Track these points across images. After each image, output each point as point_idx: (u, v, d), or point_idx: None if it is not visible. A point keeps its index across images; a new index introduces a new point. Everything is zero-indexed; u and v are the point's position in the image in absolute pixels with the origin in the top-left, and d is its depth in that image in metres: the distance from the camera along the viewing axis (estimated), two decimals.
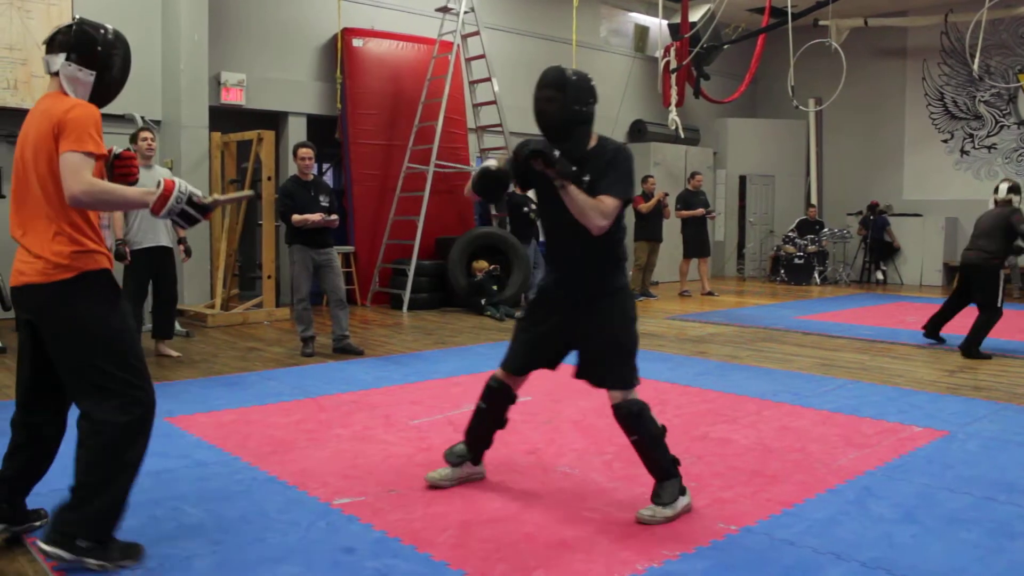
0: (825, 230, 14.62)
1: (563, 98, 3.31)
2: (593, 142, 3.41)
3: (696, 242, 12.33)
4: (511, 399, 3.71)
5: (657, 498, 3.34)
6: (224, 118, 10.23)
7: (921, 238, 14.46)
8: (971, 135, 14.79)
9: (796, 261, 14.39)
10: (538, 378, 5.74)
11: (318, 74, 11.15)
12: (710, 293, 12.38)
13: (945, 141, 15.10)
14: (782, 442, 4.47)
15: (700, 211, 12.26)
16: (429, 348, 7.54)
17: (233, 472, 3.90)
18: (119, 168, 3.13)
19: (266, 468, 3.95)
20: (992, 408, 5.29)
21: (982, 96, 14.63)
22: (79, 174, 2.71)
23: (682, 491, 3.40)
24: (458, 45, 11.05)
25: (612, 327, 3.44)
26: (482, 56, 11.11)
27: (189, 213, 2.85)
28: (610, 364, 3.43)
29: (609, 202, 3.22)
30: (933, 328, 7.77)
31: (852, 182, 15.83)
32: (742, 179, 16.08)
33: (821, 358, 7.12)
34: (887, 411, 5.18)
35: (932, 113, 15.23)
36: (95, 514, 2.79)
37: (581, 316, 3.46)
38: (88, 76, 2.92)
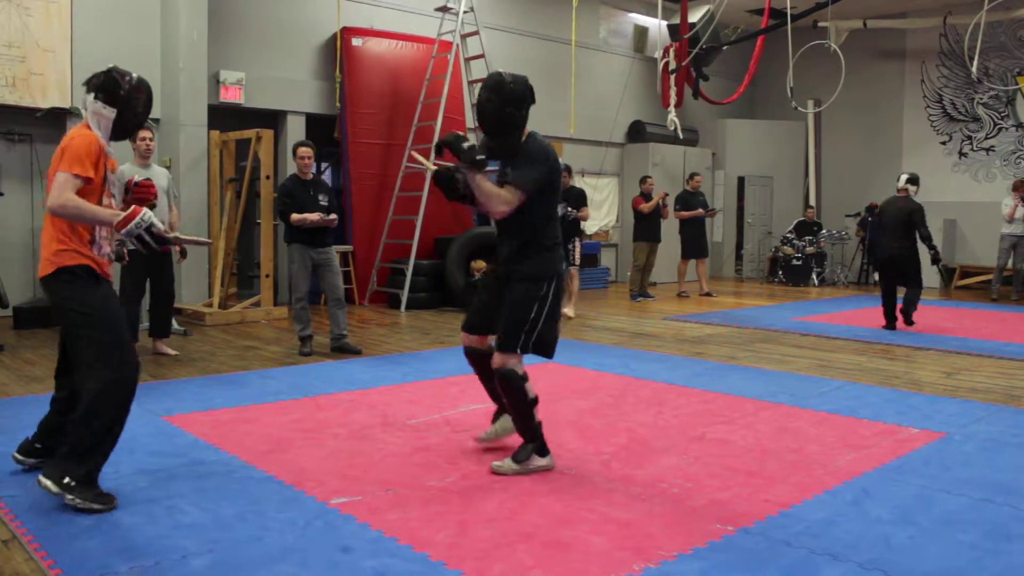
0: (823, 231, 14.64)
1: (499, 100, 3.80)
2: (523, 138, 3.89)
3: (694, 243, 12.34)
4: (483, 355, 4.12)
5: (514, 455, 3.91)
6: (223, 117, 10.22)
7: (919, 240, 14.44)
8: (969, 137, 14.81)
9: (794, 262, 14.40)
10: (536, 379, 5.74)
11: (317, 73, 11.14)
12: (708, 294, 12.39)
13: (943, 143, 15.12)
14: (779, 443, 4.47)
15: (699, 211, 12.27)
16: (427, 348, 7.53)
17: (230, 471, 3.89)
18: (136, 193, 3.80)
19: (263, 467, 3.95)
20: (989, 410, 5.29)
21: (980, 98, 14.64)
22: (61, 191, 3.32)
23: (541, 453, 3.92)
24: (457, 45, 11.05)
25: (515, 300, 3.86)
26: (481, 56, 11.11)
27: (144, 239, 3.40)
28: (504, 330, 3.87)
29: (509, 191, 3.71)
30: (891, 320, 8.81)
31: (850, 183, 15.84)
32: (741, 180, 16.09)
33: (819, 359, 7.12)
34: (884, 412, 5.18)
35: (931, 115, 15.25)
36: (77, 461, 3.37)
37: (506, 289, 3.93)
38: (111, 113, 3.51)
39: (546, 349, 3.99)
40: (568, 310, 9.67)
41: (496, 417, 4.31)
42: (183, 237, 3.80)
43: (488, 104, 3.81)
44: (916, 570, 2.90)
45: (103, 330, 3.46)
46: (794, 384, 6.03)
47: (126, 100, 3.52)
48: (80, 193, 3.36)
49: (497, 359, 3.87)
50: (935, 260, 8.84)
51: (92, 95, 3.51)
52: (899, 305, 8.80)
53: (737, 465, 4.07)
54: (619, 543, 3.09)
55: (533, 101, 3.88)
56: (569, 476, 3.88)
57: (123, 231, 3.35)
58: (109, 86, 3.50)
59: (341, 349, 7.17)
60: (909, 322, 8.77)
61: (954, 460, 4.20)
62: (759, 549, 3.06)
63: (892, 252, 8.68)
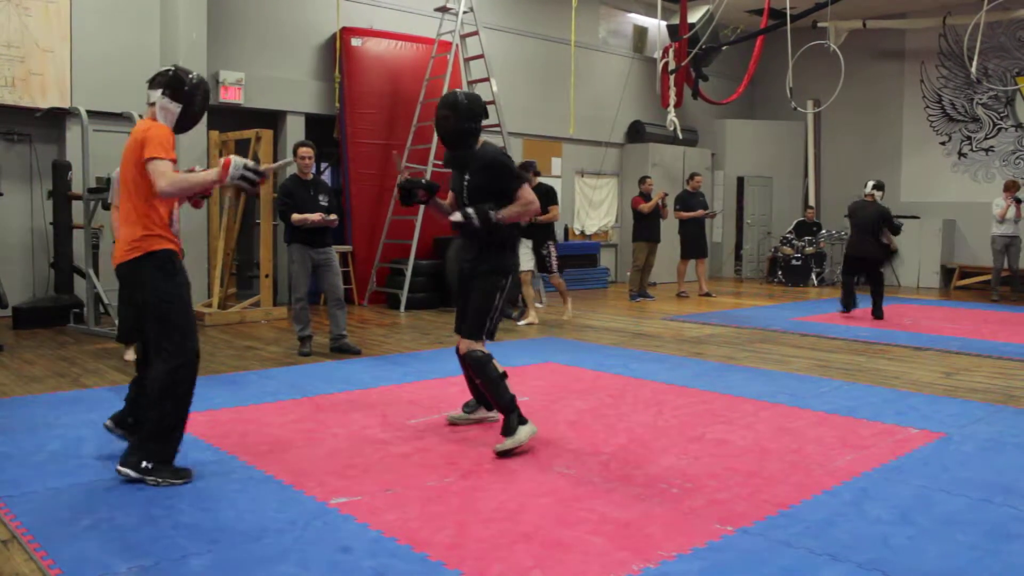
0: (823, 232, 14.65)
1: (455, 116, 4.25)
2: (477, 147, 4.39)
3: (694, 243, 12.34)
4: None
5: (505, 430, 4.22)
6: (222, 117, 10.22)
7: (918, 240, 14.48)
8: (969, 137, 14.81)
9: (794, 262, 14.41)
10: (535, 379, 5.73)
11: (317, 73, 11.15)
12: (707, 294, 12.39)
13: (943, 143, 15.12)
14: (779, 443, 4.47)
15: (699, 212, 12.27)
16: (426, 348, 7.54)
17: (230, 471, 3.89)
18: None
19: (263, 467, 3.95)
20: (989, 410, 5.29)
21: (980, 99, 14.65)
22: (164, 174, 3.65)
23: (522, 421, 4.24)
24: (457, 45, 11.05)
25: (477, 292, 4.31)
26: (481, 56, 11.11)
27: (248, 177, 3.74)
28: (468, 319, 4.31)
29: (524, 195, 4.28)
30: (851, 305, 9.96)
31: (850, 184, 15.81)
32: (740, 180, 16.09)
33: (818, 359, 7.12)
34: (884, 413, 5.18)
35: (930, 115, 15.25)
36: (152, 444, 3.67)
37: (470, 283, 4.38)
38: (176, 108, 3.85)
39: (493, 335, 4.46)
40: (566, 310, 9.71)
41: (467, 405, 4.84)
42: (272, 165, 4.19)
43: (446, 121, 4.27)
44: (915, 570, 2.90)
45: (178, 317, 3.74)
46: (793, 384, 6.03)
47: (190, 96, 3.85)
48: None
49: (463, 346, 4.32)
50: (896, 232, 10.06)
51: (159, 91, 3.83)
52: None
53: (736, 465, 4.07)
54: (618, 543, 3.09)
55: (486, 116, 4.41)
56: (568, 476, 3.88)
57: (227, 180, 3.72)
58: (175, 83, 3.83)
59: (341, 349, 7.17)
60: (878, 315, 9.70)
61: (953, 460, 4.20)
62: (758, 549, 3.06)
63: (866, 252, 9.76)
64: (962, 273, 14.41)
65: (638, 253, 11.86)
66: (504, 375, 4.29)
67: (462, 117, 4.26)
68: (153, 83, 3.86)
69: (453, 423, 4.78)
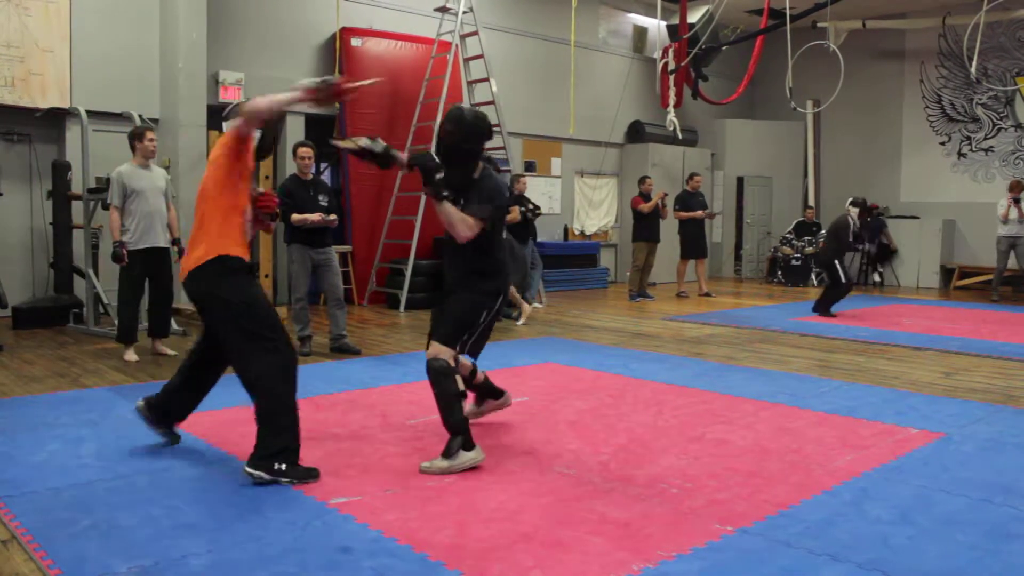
0: (822, 232, 14.63)
1: (458, 133, 4.04)
2: (477, 173, 4.15)
3: (693, 243, 12.34)
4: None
5: (445, 451, 3.94)
6: (221, 117, 10.21)
7: (918, 240, 14.48)
8: (968, 137, 14.81)
9: (793, 262, 14.41)
10: (535, 379, 5.74)
11: (316, 73, 11.13)
12: (707, 294, 12.39)
13: (943, 143, 15.12)
14: (779, 443, 4.47)
15: (699, 213, 12.27)
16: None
17: (229, 471, 3.89)
18: (259, 203, 4.20)
19: None
20: (989, 410, 5.30)
21: (979, 99, 14.65)
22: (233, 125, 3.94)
23: (468, 448, 3.94)
24: (456, 45, 11.05)
25: (456, 302, 4.13)
26: (480, 56, 11.11)
27: (327, 81, 3.91)
28: (448, 324, 4.08)
29: (469, 219, 4.00)
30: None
31: (850, 184, 15.83)
32: (740, 180, 16.09)
33: (818, 359, 7.12)
34: (884, 413, 5.19)
35: (930, 115, 15.25)
36: (277, 447, 3.69)
37: (453, 295, 4.22)
38: (257, 134, 4.09)
39: (476, 352, 4.30)
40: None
41: (478, 400, 4.77)
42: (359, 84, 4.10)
43: (448, 137, 4.07)
44: (915, 570, 2.90)
45: (262, 318, 3.86)
46: (793, 384, 6.03)
47: (267, 122, 4.11)
48: (239, 180, 4.00)
49: (432, 351, 4.06)
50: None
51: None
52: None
53: (736, 465, 4.07)
54: (618, 543, 3.09)
55: (490, 137, 4.15)
56: (568, 476, 3.88)
57: (310, 91, 3.90)
58: None
59: (340, 349, 7.18)
60: (815, 310, 10.19)
61: (953, 460, 4.20)
62: (758, 549, 3.06)
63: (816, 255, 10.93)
64: (962, 273, 14.41)
65: (638, 253, 11.86)
66: (463, 394, 4.02)
67: (464, 135, 4.05)
68: (230, 114, 4.22)
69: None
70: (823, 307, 10.10)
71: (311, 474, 3.76)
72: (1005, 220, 12.10)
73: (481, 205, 4.04)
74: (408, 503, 3.48)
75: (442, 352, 4.03)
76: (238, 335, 3.82)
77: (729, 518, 3.36)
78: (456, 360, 4.09)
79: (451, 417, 3.97)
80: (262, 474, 3.66)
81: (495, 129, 11.22)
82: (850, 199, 10.44)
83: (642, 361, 6.93)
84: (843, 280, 10.01)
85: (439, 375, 3.98)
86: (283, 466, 3.69)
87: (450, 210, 4.00)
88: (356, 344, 7.36)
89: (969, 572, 2.90)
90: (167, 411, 4.22)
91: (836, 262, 10.05)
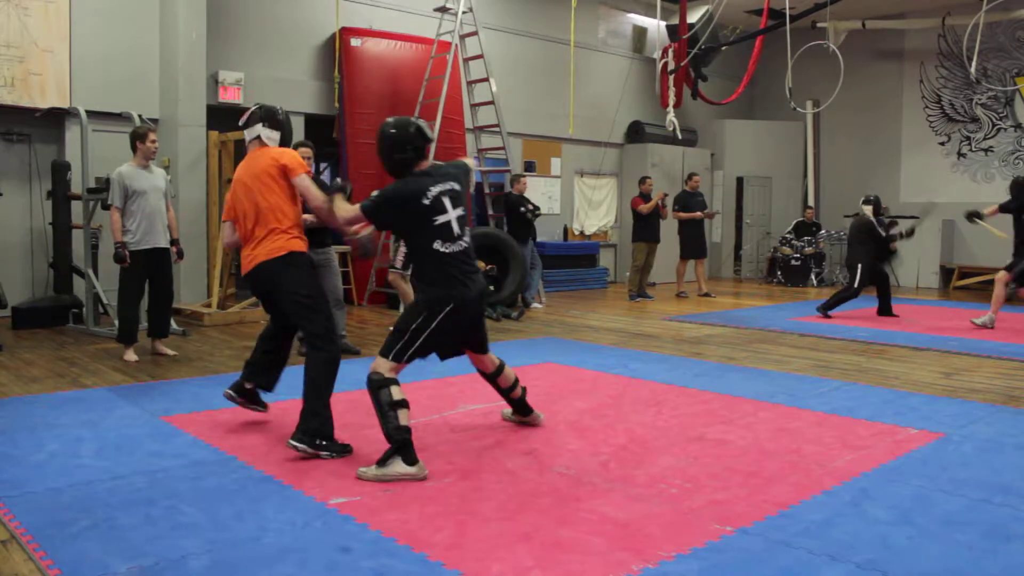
0: (822, 232, 14.65)
1: (384, 147, 4.25)
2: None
3: (693, 243, 12.34)
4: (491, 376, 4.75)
5: (380, 459, 3.87)
6: (222, 117, 10.22)
7: (918, 240, 14.43)
8: (968, 138, 14.82)
9: (793, 263, 14.41)
10: (535, 379, 5.75)
11: (316, 73, 11.15)
12: (707, 294, 12.39)
13: (942, 143, 15.13)
14: (778, 443, 4.48)
15: (698, 214, 12.28)
16: None
17: (229, 471, 3.89)
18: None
19: (262, 467, 3.95)
20: (988, 410, 5.30)
21: (979, 99, 14.65)
22: (314, 191, 4.51)
23: (409, 461, 3.82)
24: (456, 45, 11.05)
25: (399, 316, 4.27)
26: (480, 56, 11.11)
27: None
28: (390, 335, 4.19)
29: (352, 209, 4.32)
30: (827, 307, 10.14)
31: (849, 184, 15.85)
32: (739, 180, 16.10)
33: (817, 360, 7.12)
34: (883, 413, 5.19)
35: (929, 115, 15.26)
36: (318, 424, 4.16)
37: None
38: (276, 135, 4.65)
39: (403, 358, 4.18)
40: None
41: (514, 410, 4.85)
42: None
43: (381, 153, 4.29)
44: (915, 570, 2.90)
45: (324, 312, 4.44)
46: (793, 384, 6.03)
47: (284, 123, 4.69)
48: (288, 191, 4.54)
49: (374, 364, 4.11)
50: (907, 235, 10.17)
51: (261, 124, 4.61)
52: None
53: (736, 465, 4.07)
54: (617, 543, 3.09)
55: (422, 141, 4.23)
56: (568, 476, 3.88)
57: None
58: (271, 114, 4.64)
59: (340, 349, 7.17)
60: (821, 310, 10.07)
61: (953, 460, 4.21)
62: (757, 550, 3.06)
63: (848, 259, 10.36)
64: (961, 273, 14.41)
65: (637, 253, 11.87)
66: (401, 403, 3.94)
67: (390, 148, 4.22)
68: (253, 119, 4.61)
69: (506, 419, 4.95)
70: (827, 308, 9.98)
71: (346, 448, 4.18)
72: None
73: (370, 198, 4.19)
74: (407, 503, 3.48)
75: (379, 364, 4.07)
76: (305, 322, 4.48)
77: (728, 518, 3.36)
78: (396, 370, 4.08)
79: (386, 426, 3.90)
80: (305, 447, 4.08)
81: (494, 130, 11.31)
82: (863, 198, 10.27)
83: (642, 361, 6.93)
84: (856, 285, 9.87)
85: (371, 386, 4.01)
86: (324, 442, 4.13)
87: (341, 207, 4.39)
88: (355, 344, 7.36)
89: (968, 572, 2.90)
90: (258, 387, 4.82)
91: (860, 265, 9.87)
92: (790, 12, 11.64)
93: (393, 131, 4.22)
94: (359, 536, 3.13)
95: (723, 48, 14.72)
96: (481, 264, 10.11)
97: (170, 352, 6.98)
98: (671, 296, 12.40)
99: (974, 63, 12.26)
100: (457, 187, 4.26)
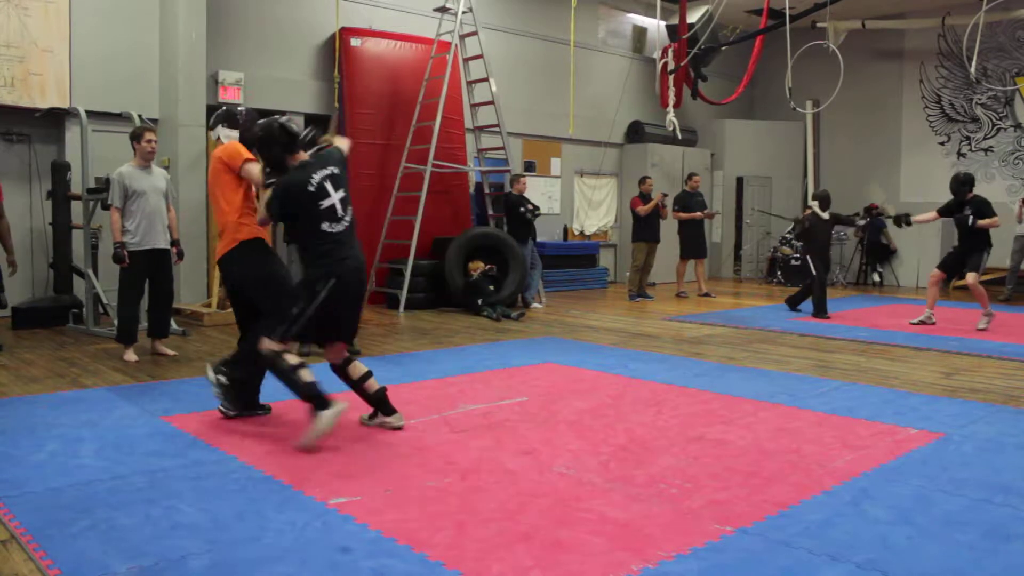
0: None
1: (257, 148, 4.59)
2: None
3: (693, 243, 12.35)
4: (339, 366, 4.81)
5: (312, 424, 4.24)
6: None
7: (918, 240, 14.47)
8: (968, 138, 14.82)
9: (793, 263, 14.40)
10: (535, 379, 5.74)
11: (316, 73, 11.15)
12: (707, 294, 12.39)
13: (942, 143, 15.13)
14: (778, 443, 4.48)
15: (698, 214, 12.28)
16: (425, 348, 7.54)
17: (229, 471, 3.89)
18: None
19: (262, 467, 3.95)
20: (988, 410, 5.30)
21: (979, 99, 14.65)
22: (257, 179, 4.71)
23: (323, 405, 4.23)
24: (456, 45, 11.04)
25: (280, 297, 4.66)
26: (480, 56, 11.11)
27: None
28: (268, 317, 4.63)
29: (263, 210, 4.60)
30: (794, 304, 10.52)
31: (849, 184, 15.84)
32: (739, 180, 16.09)
33: (817, 360, 7.12)
34: (883, 413, 5.19)
35: (929, 115, 15.26)
36: (237, 375, 4.74)
37: None
38: (233, 133, 5.11)
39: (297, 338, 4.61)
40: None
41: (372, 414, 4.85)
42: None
43: (259, 154, 4.61)
44: (914, 570, 2.90)
45: (279, 296, 4.66)
46: (793, 384, 6.03)
47: (243, 122, 5.07)
48: (234, 183, 4.88)
49: (261, 343, 4.44)
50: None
51: (221, 125, 5.13)
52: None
53: (736, 466, 4.07)
54: (617, 543, 3.09)
55: (288, 134, 4.48)
56: (568, 476, 3.88)
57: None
58: (229, 115, 5.16)
59: None
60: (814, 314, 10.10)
61: (953, 460, 4.21)
62: (757, 550, 3.06)
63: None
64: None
65: (637, 253, 11.88)
66: (299, 365, 4.33)
67: (260, 148, 4.53)
68: (215, 120, 5.15)
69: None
70: (816, 311, 9.99)
71: (249, 409, 4.91)
72: (1020, 220, 12.13)
73: (270, 198, 4.50)
74: (407, 503, 3.48)
75: (265, 344, 4.41)
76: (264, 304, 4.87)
77: (728, 518, 3.36)
78: (281, 346, 4.40)
79: (297, 389, 4.30)
80: (211, 376, 4.77)
81: (494, 130, 11.30)
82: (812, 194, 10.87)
83: (642, 361, 6.93)
84: (813, 273, 10.10)
85: (266, 363, 4.45)
86: (227, 383, 4.78)
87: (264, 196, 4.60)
88: (355, 344, 7.38)
89: (968, 572, 2.90)
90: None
91: (808, 257, 10.29)
92: (790, 12, 11.64)
93: (260, 132, 4.54)
94: (359, 536, 3.13)
95: (723, 48, 14.72)
96: (481, 264, 10.12)
97: (170, 352, 6.98)
98: (671, 296, 12.40)
99: (974, 63, 12.25)
100: (336, 171, 4.57)
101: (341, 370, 4.74)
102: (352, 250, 4.55)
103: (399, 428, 4.72)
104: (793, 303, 10.53)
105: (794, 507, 3.49)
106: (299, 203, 4.44)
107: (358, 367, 4.76)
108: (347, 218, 4.54)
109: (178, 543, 3.04)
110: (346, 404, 4.30)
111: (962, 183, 9.03)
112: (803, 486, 3.77)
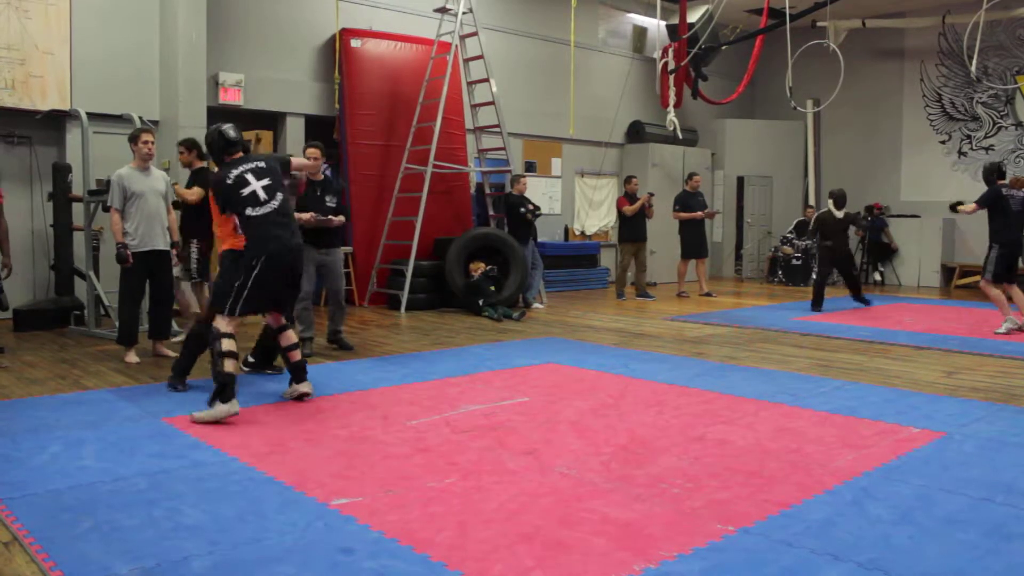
0: None
1: (207, 149, 5.57)
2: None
3: (694, 243, 12.34)
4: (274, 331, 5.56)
5: (208, 402, 4.82)
6: (222, 118, 10.16)
7: (919, 239, 14.48)
8: (969, 136, 14.81)
9: (794, 262, 14.40)
10: (536, 379, 5.75)
11: (316, 74, 11.15)
12: (708, 294, 12.39)
13: (943, 142, 15.12)
14: (779, 443, 4.47)
15: (698, 214, 12.28)
16: (426, 349, 7.54)
17: (231, 472, 3.90)
18: None
19: (264, 468, 3.95)
20: (989, 409, 5.29)
21: (980, 97, 14.64)
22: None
23: (226, 399, 4.76)
24: (456, 46, 11.05)
25: (220, 279, 5.36)
26: (480, 57, 11.11)
27: None
28: (213, 295, 5.29)
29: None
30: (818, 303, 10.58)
31: (850, 183, 15.75)
32: (740, 180, 16.09)
33: (819, 359, 7.12)
34: (885, 412, 5.18)
35: (930, 114, 15.25)
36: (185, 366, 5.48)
37: None
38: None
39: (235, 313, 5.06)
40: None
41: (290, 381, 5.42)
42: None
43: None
44: (916, 570, 2.90)
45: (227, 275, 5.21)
46: (794, 384, 6.03)
47: (207, 143, 5.53)
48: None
49: (215, 320, 5.02)
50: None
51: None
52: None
53: (737, 465, 4.07)
54: (619, 543, 3.09)
55: (223, 138, 5.37)
56: (569, 476, 3.88)
57: None
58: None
59: (335, 343, 7.40)
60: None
61: (954, 460, 4.20)
62: (759, 549, 3.06)
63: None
64: (962, 272, 14.40)
65: (623, 254, 11.91)
66: (229, 354, 4.84)
67: (207, 148, 5.56)
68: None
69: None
70: (814, 304, 10.54)
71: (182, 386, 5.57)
72: None
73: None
74: (409, 504, 3.48)
75: (218, 321, 4.97)
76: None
77: (730, 518, 3.36)
78: (231, 324, 4.98)
79: (213, 369, 4.87)
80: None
81: (495, 130, 11.30)
82: (829, 192, 10.82)
83: (643, 361, 6.93)
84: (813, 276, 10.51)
85: (210, 338, 4.99)
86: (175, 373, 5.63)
87: None
88: (351, 341, 7.45)
89: (970, 571, 2.90)
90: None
91: (821, 254, 10.73)
92: (790, 11, 11.63)
93: (206, 137, 5.44)
94: (361, 537, 3.13)
95: (723, 47, 14.72)
96: (481, 265, 10.12)
97: (171, 353, 6.97)
98: (672, 296, 12.39)
99: (974, 61, 12.25)
100: (262, 164, 5.21)
101: (276, 334, 5.42)
102: (282, 232, 5.06)
103: (307, 393, 5.32)
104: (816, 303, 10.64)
105: (796, 507, 3.49)
106: (225, 195, 5.16)
107: (289, 336, 5.38)
108: (274, 202, 5.08)
109: (180, 544, 3.05)
110: (238, 411, 4.82)
111: (990, 171, 8.71)
112: (805, 485, 3.77)
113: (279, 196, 5.15)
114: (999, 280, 8.62)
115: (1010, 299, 8.67)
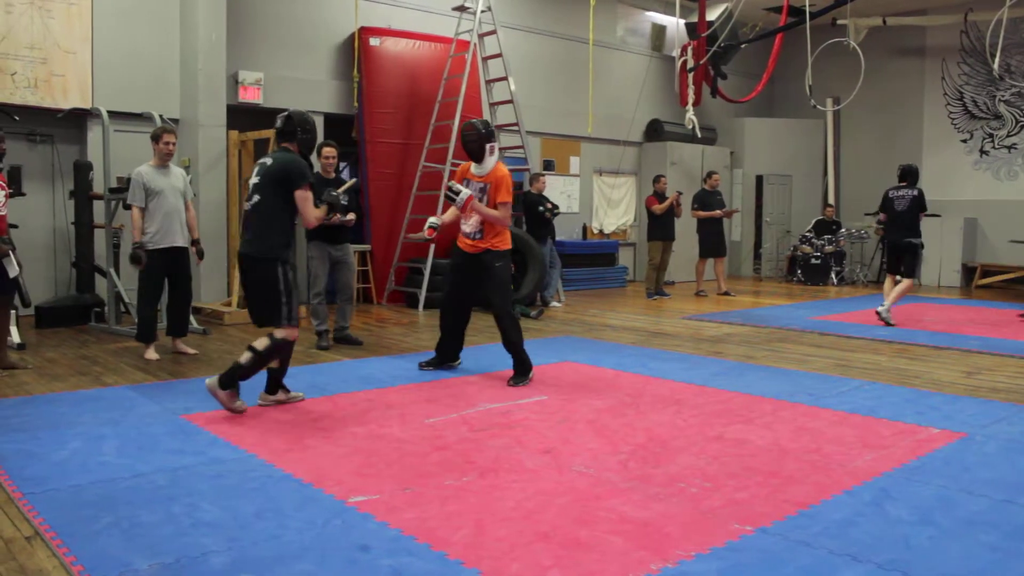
0: (842, 230, 14.54)
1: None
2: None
3: (712, 242, 12.31)
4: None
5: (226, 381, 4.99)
6: (241, 117, 10.28)
7: (939, 238, 14.35)
8: (991, 135, 14.67)
9: (813, 261, 14.32)
10: (554, 378, 5.74)
11: (335, 73, 11.18)
12: (726, 293, 12.34)
13: (964, 141, 14.98)
14: (798, 443, 4.45)
15: (717, 212, 12.24)
16: None
17: (249, 469, 3.92)
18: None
19: (282, 466, 3.97)
20: (1011, 410, 5.25)
21: (1002, 95, 14.50)
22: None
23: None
24: (475, 44, 11.05)
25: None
26: (499, 55, 11.11)
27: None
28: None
29: None
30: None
31: (870, 182, 15.71)
32: (759, 179, 16.01)
33: (837, 359, 7.08)
34: (904, 412, 5.15)
35: (951, 113, 15.12)
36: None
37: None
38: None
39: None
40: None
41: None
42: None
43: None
44: (936, 571, 2.88)
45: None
46: (813, 384, 6.00)
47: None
48: None
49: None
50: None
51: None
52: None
53: (755, 465, 4.05)
54: (637, 543, 3.08)
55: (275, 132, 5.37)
56: (587, 475, 3.88)
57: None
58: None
59: (342, 340, 7.48)
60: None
61: (975, 461, 4.17)
62: (778, 549, 3.04)
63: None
64: (983, 272, 14.28)
65: (653, 252, 11.88)
66: (258, 358, 5.02)
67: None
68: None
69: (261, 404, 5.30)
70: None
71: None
72: None
73: None
74: (426, 502, 3.49)
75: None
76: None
77: (748, 518, 3.34)
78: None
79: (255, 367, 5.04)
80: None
81: (513, 129, 11.30)
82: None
83: (661, 360, 6.91)
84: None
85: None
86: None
87: None
88: (358, 336, 7.55)
89: (991, 573, 2.88)
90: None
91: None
92: (810, 9, 11.55)
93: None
94: (378, 534, 3.14)
95: (742, 46, 14.63)
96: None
97: (190, 351, 7.02)
98: (690, 295, 12.35)
99: (997, 59, 12.12)
100: (268, 161, 5.16)
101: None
102: (247, 232, 5.19)
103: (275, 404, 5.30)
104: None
105: (815, 507, 3.47)
106: None
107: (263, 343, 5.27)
108: (252, 200, 5.12)
109: (199, 540, 3.06)
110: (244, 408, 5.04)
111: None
112: (824, 486, 3.75)
113: (256, 197, 5.12)
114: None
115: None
